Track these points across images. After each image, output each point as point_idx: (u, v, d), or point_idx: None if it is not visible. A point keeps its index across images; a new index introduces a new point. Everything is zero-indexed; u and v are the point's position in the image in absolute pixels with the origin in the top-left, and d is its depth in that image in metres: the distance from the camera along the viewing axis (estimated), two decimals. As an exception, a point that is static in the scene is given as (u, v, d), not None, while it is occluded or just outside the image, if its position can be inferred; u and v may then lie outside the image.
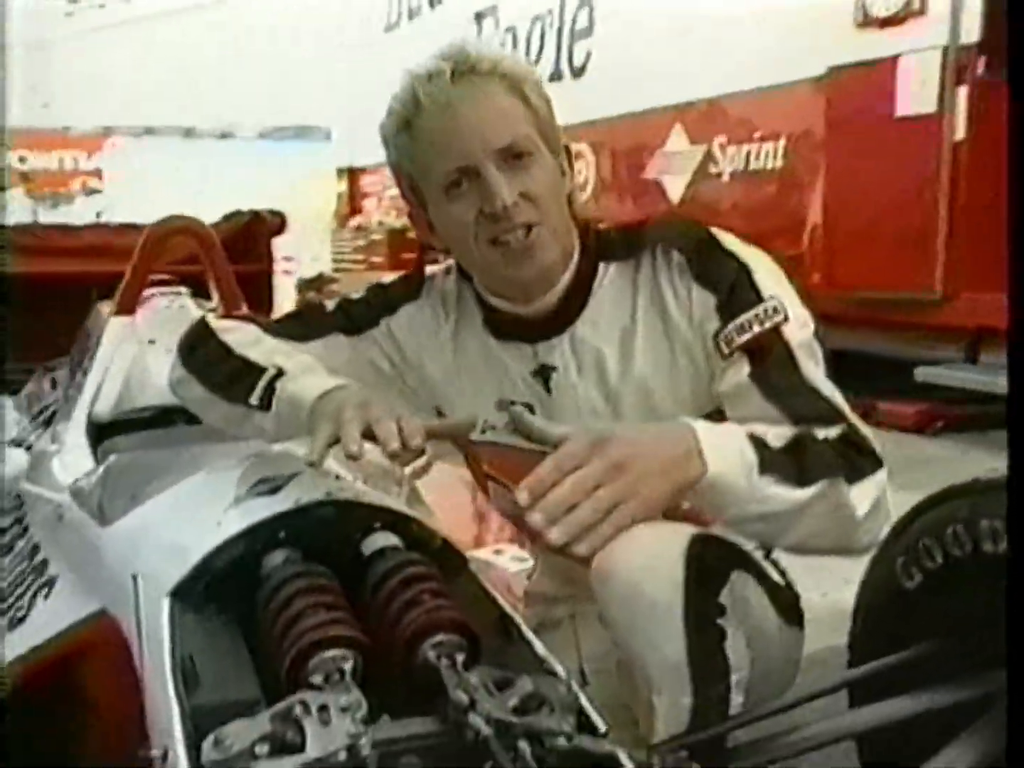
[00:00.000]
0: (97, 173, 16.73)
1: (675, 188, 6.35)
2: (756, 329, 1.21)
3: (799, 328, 1.22)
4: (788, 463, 1.07)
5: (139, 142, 15.99)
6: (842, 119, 5.12)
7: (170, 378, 1.40)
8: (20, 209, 12.84)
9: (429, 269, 1.44)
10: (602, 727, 0.99)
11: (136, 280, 2.15)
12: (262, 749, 0.87)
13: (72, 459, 1.68)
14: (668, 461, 1.01)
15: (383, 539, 1.12)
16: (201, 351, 1.36)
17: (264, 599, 1.03)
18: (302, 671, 0.95)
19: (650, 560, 1.09)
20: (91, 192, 14.50)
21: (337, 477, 1.18)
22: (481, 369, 1.38)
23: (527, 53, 8.07)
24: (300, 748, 0.87)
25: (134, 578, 1.10)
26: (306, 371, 1.27)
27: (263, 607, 1.02)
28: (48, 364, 2.82)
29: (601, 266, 1.33)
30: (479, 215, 1.23)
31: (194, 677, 0.98)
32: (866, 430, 1.16)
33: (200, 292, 2.45)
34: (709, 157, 6.02)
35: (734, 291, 1.23)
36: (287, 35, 11.37)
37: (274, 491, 1.15)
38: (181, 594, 1.07)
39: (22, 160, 19.68)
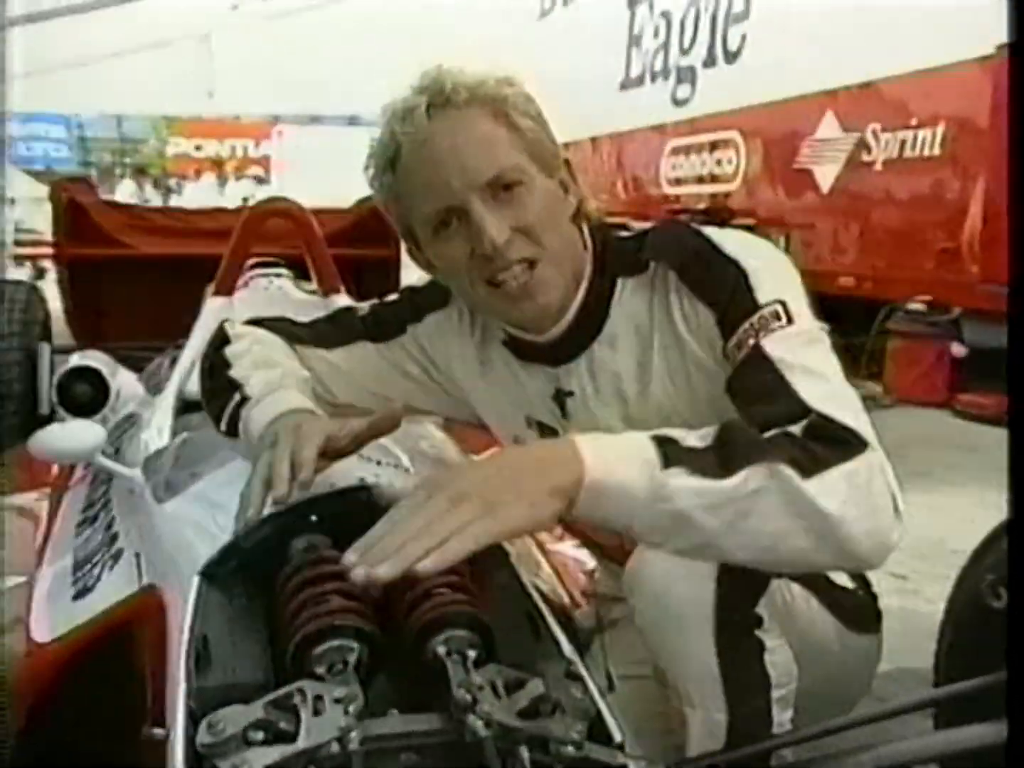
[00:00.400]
0: (264, 161, 17.40)
1: (826, 177, 6.13)
2: (751, 342, 1.09)
3: (795, 322, 1.09)
4: (703, 455, 0.94)
5: (305, 130, 16.51)
6: (1009, 103, 4.82)
7: None
8: (204, 193, 13.40)
9: None
10: (617, 737, 0.94)
11: (234, 261, 2.18)
12: (256, 736, 0.86)
13: (153, 435, 1.72)
14: (533, 471, 0.92)
15: (414, 528, 1.09)
16: (207, 360, 1.35)
17: (281, 582, 1.02)
18: (306, 658, 0.93)
19: (679, 567, 1.03)
20: (240, 178, 15.01)
21: (378, 463, 1.15)
22: (507, 385, 1.33)
23: (681, 38, 7.94)
24: (294, 738, 0.85)
25: (136, 556, 1.10)
26: (266, 394, 1.22)
27: (280, 591, 1.01)
28: (179, 343, 2.91)
29: (619, 281, 1.24)
30: (472, 255, 1.15)
31: (206, 658, 0.97)
32: (850, 420, 1.00)
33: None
34: (862, 144, 5.78)
35: (731, 303, 1.12)
36: (445, 23, 11.51)
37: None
38: (210, 573, 1.07)
39: (198, 148, 20.62)
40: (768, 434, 0.98)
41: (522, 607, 1.10)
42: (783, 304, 1.10)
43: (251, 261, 2.58)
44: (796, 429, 0.98)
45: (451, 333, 1.36)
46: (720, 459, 0.94)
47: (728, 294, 1.12)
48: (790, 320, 1.09)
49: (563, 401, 1.28)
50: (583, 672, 1.01)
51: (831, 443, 0.97)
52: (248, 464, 1.25)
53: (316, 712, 0.86)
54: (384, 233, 3.75)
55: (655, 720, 1.15)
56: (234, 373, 1.28)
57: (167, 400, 1.89)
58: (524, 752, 0.86)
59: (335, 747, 0.84)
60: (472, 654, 0.95)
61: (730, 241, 1.17)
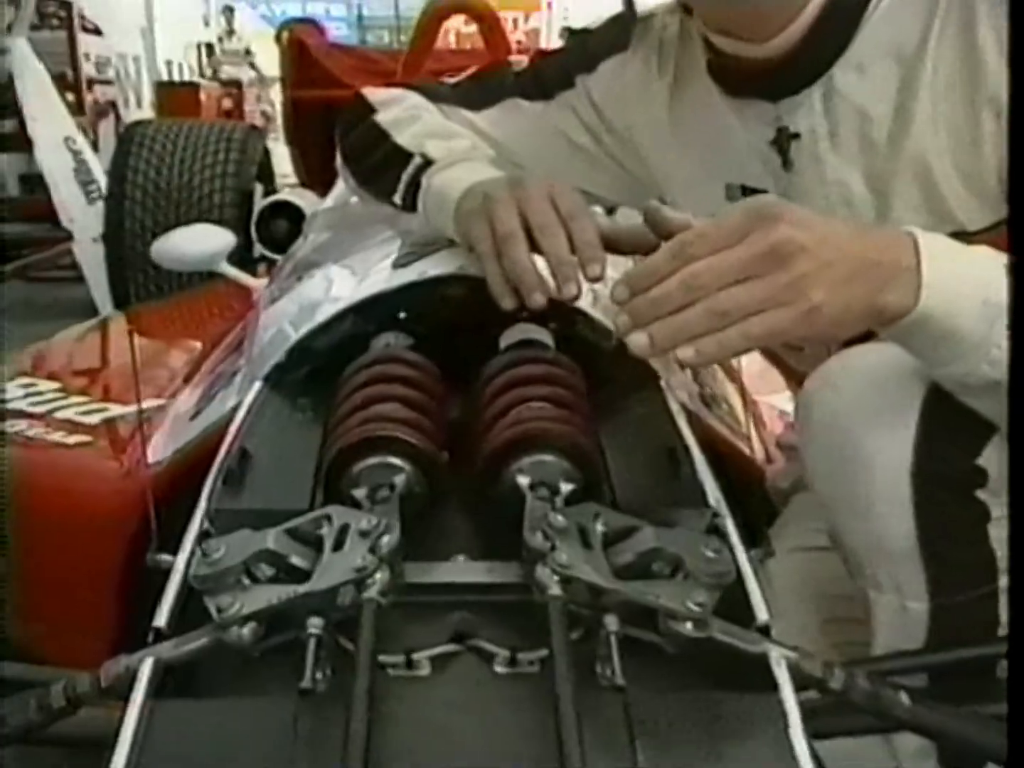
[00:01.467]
0: (534, 33, 17.05)
1: None
2: None
3: None
4: None
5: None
6: None
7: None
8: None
9: (645, 5, 1.05)
10: (761, 616, 0.66)
11: (413, 60, 1.96)
12: (264, 572, 0.65)
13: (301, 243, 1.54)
14: (868, 276, 0.64)
15: (525, 330, 0.84)
16: (355, 133, 1.10)
17: (339, 384, 0.79)
18: (344, 477, 0.70)
19: (870, 395, 0.73)
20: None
21: None
22: (705, 139, 1.00)
23: None
24: (308, 576, 0.63)
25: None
26: (458, 161, 0.97)
27: (336, 394, 0.79)
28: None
29: None
30: None
31: (239, 475, 0.77)
32: None
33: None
34: None
35: None
36: None
37: (406, 264, 0.91)
38: (274, 379, 0.87)
39: (468, 23, 20.53)
40: None
41: (663, 439, 0.83)
42: None
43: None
44: None
45: (633, 81, 1.05)
46: None
47: None
48: None
49: (786, 147, 0.94)
50: (730, 527, 0.73)
51: None
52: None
53: (338, 547, 0.64)
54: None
55: (845, 605, 0.86)
56: (403, 141, 1.04)
57: (327, 203, 1.71)
58: (612, 623, 0.61)
59: (348, 595, 0.61)
60: (565, 488, 0.69)
61: None
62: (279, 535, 0.65)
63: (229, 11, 10.75)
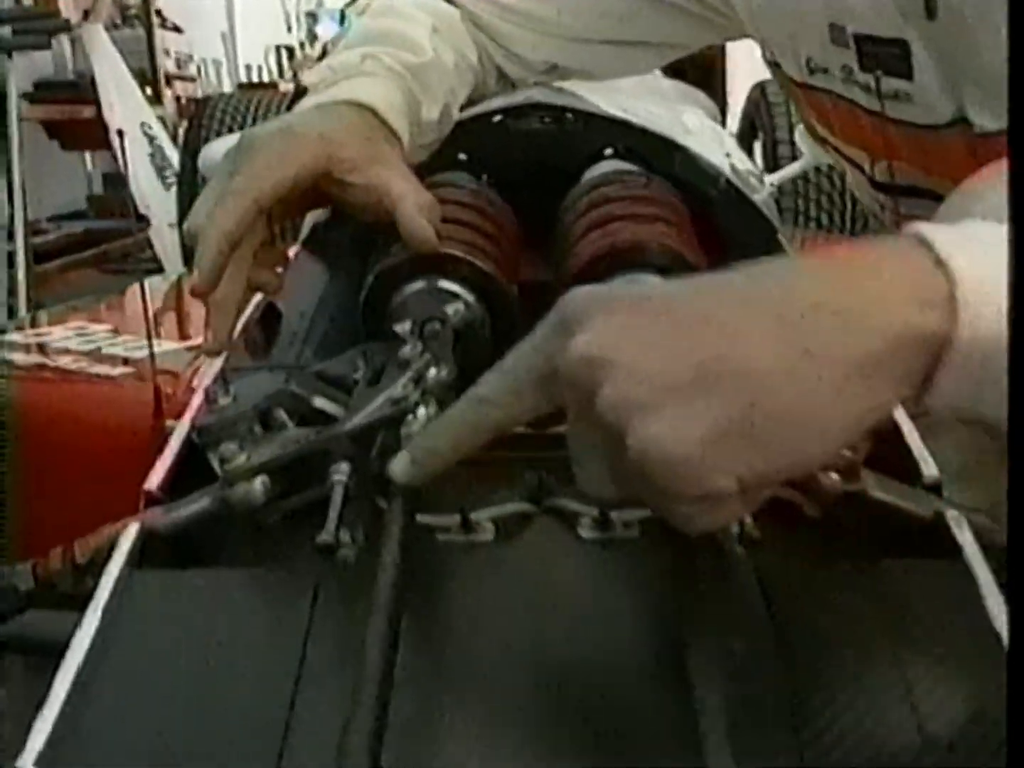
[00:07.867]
0: None
1: None
2: None
3: None
4: None
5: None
6: None
7: None
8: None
9: None
10: (931, 471, 0.50)
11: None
12: (283, 419, 0.51)
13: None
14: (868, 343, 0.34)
15: (615, 167, 0.69)
16: None
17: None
18: (384, 310, 0.56)
19: None
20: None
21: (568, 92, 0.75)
22: None
23: None
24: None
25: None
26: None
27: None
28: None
29: None
30: None
31: (262, 332, 0.64)
32: None
33: None
34: None
35: None
36: None
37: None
38: (316, 241, 0.73)
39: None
40: None
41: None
42: None
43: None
44: None
45: None
46: None
47: None
48: None
49: None
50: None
51: None
52: None
53: (365, 385, 0.50)
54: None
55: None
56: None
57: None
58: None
59: (389, 436, 0.47)
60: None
61: None
62: (303, 376, 0.51)
63: (312, 17, 10.75)
